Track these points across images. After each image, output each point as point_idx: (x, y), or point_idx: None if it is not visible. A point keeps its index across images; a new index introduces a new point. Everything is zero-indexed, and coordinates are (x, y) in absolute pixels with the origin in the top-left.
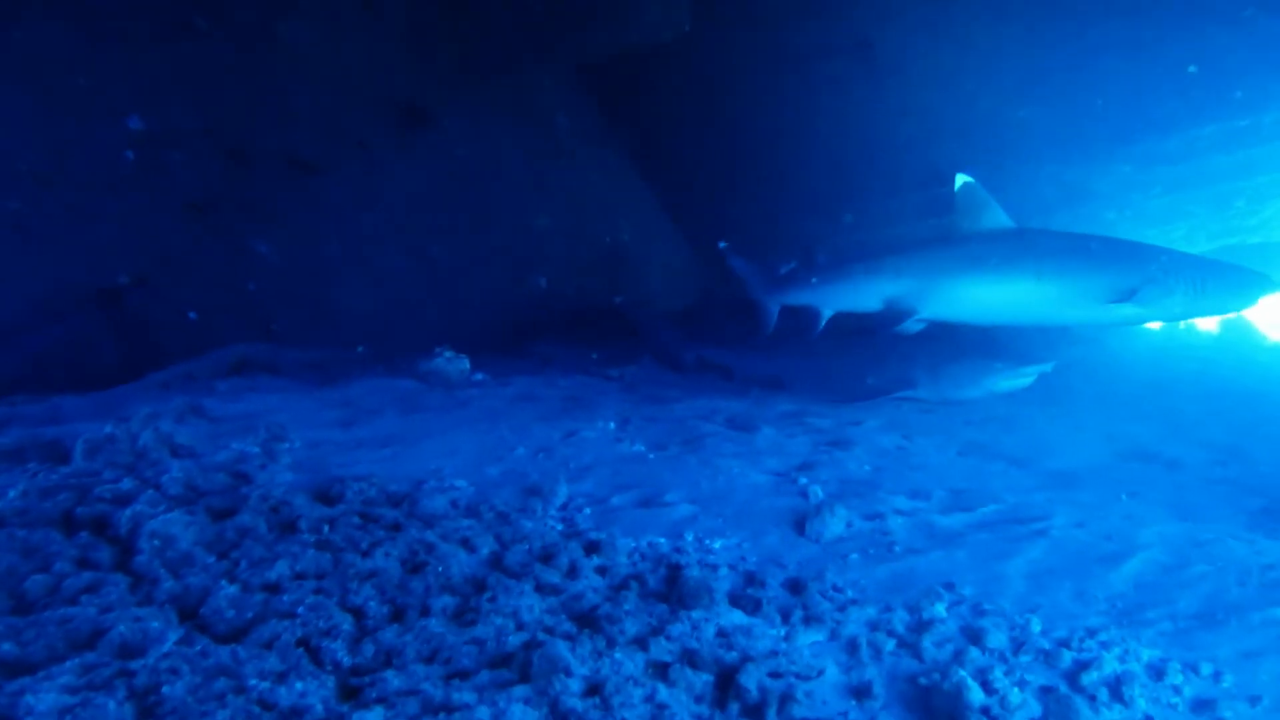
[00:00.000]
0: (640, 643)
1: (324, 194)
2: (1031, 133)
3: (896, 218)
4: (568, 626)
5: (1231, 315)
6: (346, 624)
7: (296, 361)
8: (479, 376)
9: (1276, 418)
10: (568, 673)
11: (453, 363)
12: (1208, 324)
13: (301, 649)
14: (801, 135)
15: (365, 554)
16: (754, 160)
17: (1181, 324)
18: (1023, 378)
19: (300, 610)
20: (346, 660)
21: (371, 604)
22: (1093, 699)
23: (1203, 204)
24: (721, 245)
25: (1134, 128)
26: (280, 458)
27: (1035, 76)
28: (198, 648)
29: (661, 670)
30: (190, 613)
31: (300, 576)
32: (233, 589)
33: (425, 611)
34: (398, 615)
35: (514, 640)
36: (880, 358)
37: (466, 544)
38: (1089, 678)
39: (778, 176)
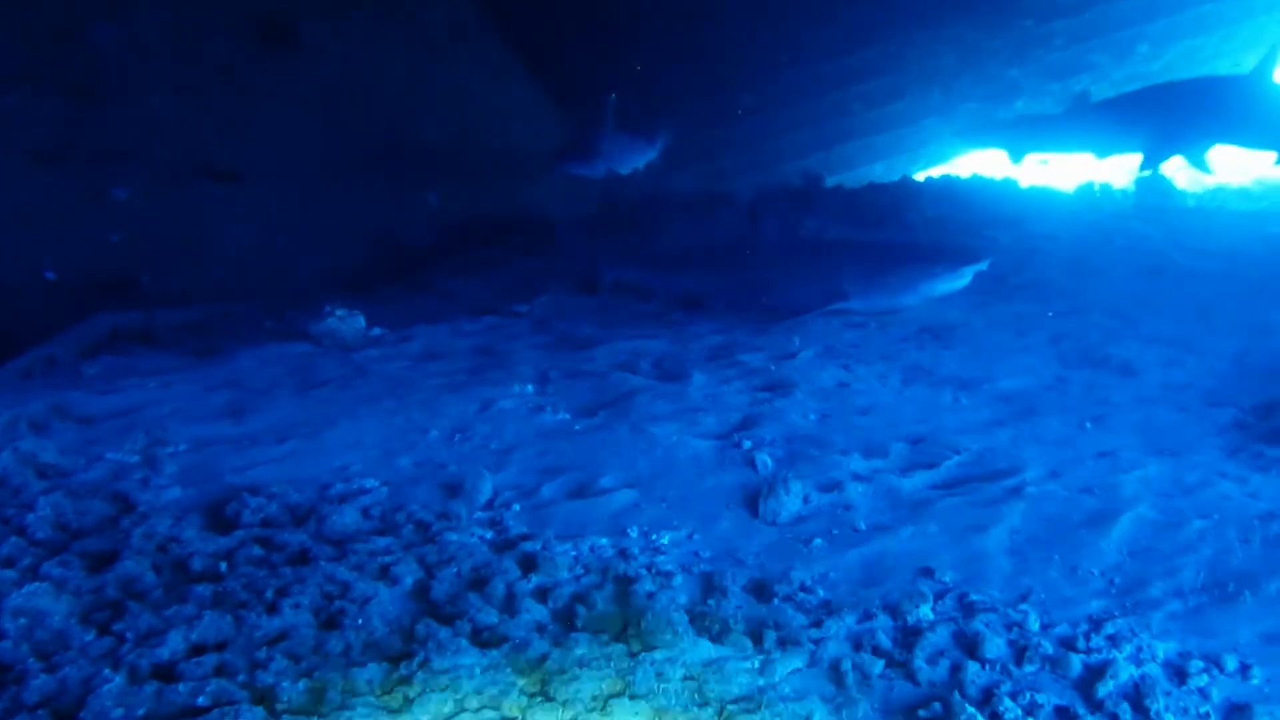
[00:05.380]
0: (601, 707)
1: (186, 127)
2: None
3: (802, 94)
4: (515, 696)
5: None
6: None
7: (173, 325)
8: (377, 332)
9: (1218, 299)
10: None
11: (346, 321)
12: (1122, 182)
13: None
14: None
15: (271, 607)
16: (649, 42)
17: (1096, 184)
18: (960, 278)
19: (200, 701)
20: None
21: (285, 684)
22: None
23: (1104, 53)
24: None
25: None
26: (164, 467)
27: None
28: None
29: None
30: (68, 717)
31: (198, 650)
32: (118, 679)
33: (349, 689)
34: (317, 697)
35: None
36: (808, 268)
37: (386, 574)
38: (1105, 689)
39: (675, 56)
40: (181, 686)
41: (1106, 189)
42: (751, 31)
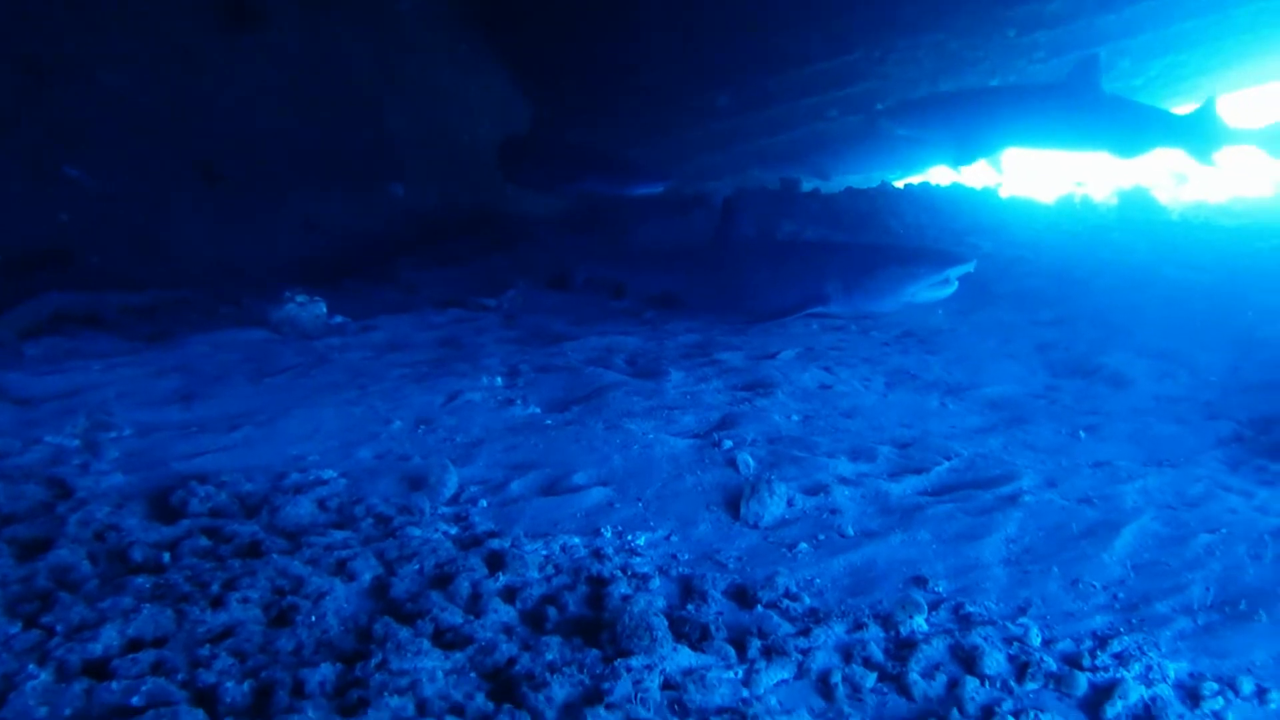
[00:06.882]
0: (574, 716)
1: (144, 107)
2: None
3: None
4: (481, 701)
5: (1128, 187)
6: None
7: (123, 308)
8: (338, 320)
9: (1207, 313)
10: None
11: (306, 308)
12: (1105, 196)
13: None
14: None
15: (217, 600)
16: (628, 37)
17: (1077, 196)
18: (947, 285)
19: (134, 701)
20: None
21: (229, 684)
22: None
23: None
24: None
25: None
26: (106, 452)
27: None
28: None
29: None
30: None
31: (134, 645)
32: (44, 676)
33: (298, 691)
34: (263, 698)
35: None
36: (786, 269)
37: (343, 569)
38: (1113, 710)
39: (655, 51)
40: (115, 685)
41: (1088, 201)
42: (729, 32)
